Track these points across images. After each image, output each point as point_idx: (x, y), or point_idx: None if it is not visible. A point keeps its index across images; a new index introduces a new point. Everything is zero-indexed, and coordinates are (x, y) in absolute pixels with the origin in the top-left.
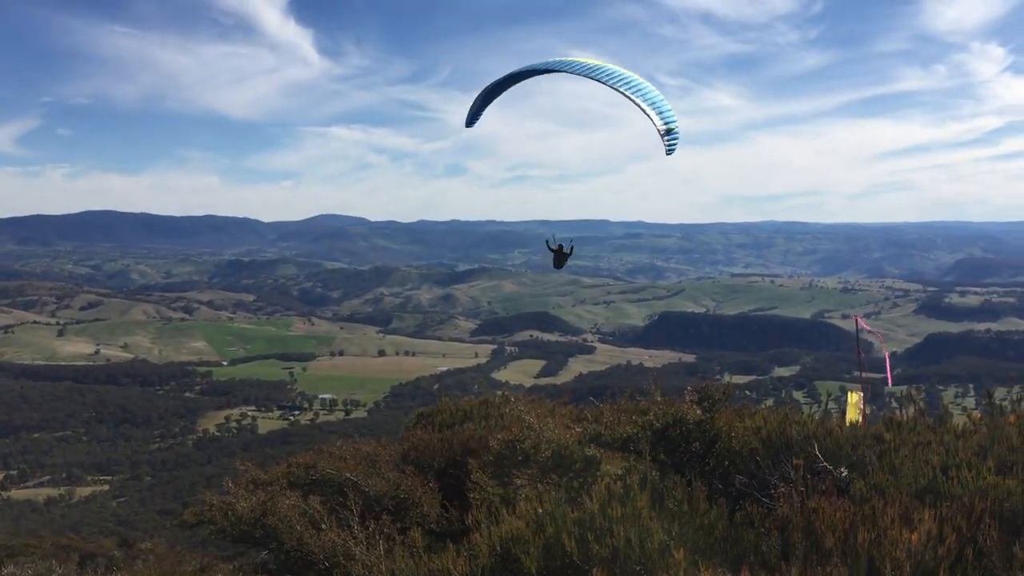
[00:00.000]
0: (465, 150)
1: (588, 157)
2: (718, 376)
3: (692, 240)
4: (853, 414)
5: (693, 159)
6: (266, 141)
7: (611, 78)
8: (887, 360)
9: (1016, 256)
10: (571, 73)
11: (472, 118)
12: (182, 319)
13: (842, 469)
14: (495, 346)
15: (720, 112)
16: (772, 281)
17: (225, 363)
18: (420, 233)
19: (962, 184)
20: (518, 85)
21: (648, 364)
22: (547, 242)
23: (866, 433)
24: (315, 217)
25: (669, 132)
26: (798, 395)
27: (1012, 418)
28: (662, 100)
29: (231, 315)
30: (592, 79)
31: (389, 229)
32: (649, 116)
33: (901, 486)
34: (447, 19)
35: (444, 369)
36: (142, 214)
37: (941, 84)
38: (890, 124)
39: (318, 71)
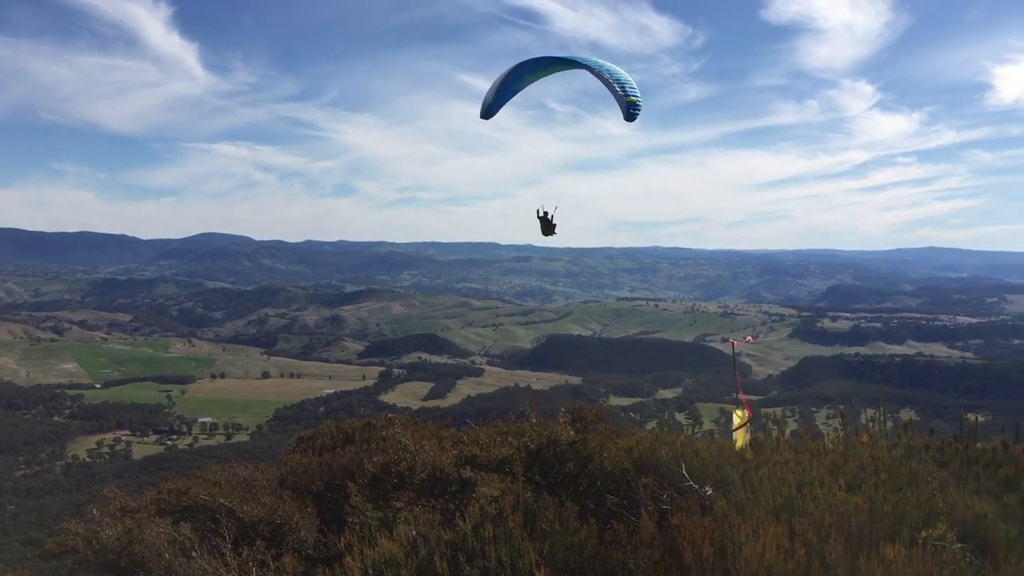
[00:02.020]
0: (354, 170)
1: (478, 181)
2: (603, 398)
3: (580, 264)
4: (741, 439)
5: (581, 185)
6: (147, 156)
7: (587, 62)
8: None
9: (881, 283)
10: (570, 66)
11: (488, 111)
12: (52, 339)
13: (707, 488)
14: (383, 368)
15: (608, 140)
16: (656, 305)
17: (98, 385)
18: (308, 253)
19: (833, 214)
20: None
21: (536, 387)
22: (537, 210)
23: (731, 453)
24: (197, 235)
25: (632, 105)
26: (680, 416)
27: (864, 437)
28: (629, 80)
29: (105, 336)
30: (583, 68)
31: (275, 248)
32: (614, 90)
33: (760, 503)
34: (336, 39)
35: (330, 392)
36: (11, 229)
37: (814, 118)
38: (767, 156)
39: (203, 86)
